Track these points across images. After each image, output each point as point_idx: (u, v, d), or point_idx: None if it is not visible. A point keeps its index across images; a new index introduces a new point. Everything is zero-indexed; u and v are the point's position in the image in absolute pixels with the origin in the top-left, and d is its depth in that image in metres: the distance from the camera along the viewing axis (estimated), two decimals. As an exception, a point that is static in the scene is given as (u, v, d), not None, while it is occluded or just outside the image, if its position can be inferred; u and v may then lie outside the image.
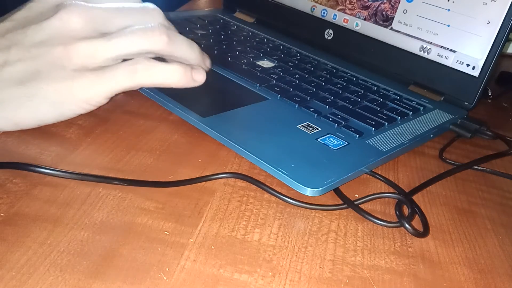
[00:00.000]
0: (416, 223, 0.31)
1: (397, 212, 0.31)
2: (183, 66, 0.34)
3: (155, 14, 0.34)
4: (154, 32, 0.32)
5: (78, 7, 0.31)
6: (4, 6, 0.34)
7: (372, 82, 0.48)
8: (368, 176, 0.35)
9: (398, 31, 0.49)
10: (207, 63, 0.39)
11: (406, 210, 0.32)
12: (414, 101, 0.45)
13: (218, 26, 0.58)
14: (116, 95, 0.33)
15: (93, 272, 0.23)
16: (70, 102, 0.31)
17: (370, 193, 0.32)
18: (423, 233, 0.30)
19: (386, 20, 0.50)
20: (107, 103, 0.33)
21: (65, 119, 0.33)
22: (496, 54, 0.43)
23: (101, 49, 0.31)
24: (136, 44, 0.32)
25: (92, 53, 0.31)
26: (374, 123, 0.39)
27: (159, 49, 0.33)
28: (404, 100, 0.45)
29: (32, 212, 0.26)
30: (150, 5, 0.34)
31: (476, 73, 0.44)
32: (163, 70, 0.33)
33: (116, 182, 0.29)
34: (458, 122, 0.44)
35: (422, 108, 0.44)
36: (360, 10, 0.52)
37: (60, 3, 0.31)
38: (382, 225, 0.30)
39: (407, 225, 0.29)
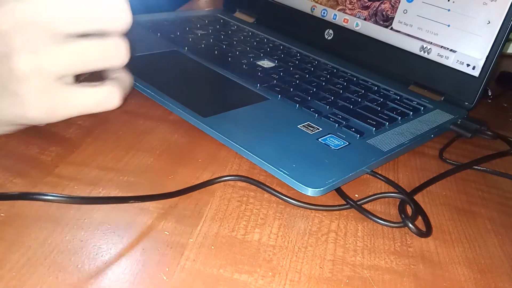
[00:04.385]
0: (417, 223, 0.31)
1: (402, 213, 0.31)
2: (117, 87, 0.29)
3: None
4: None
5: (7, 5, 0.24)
6: None
7: (372, 82, 0.48)
8: (368, 176, 0.35)
9: (398, 31, 0.49)
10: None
11: (407, 210, 0.31)
12: (414, 101, 0.45)
13: (218, 26, 0.58)
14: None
15: (93, 272, 0.23)
16: (21, 122, 0.28)
17: (371, 193, 0.32)
18: (426, 233, 0.30)
19: (386, 20, 0.50)
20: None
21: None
22: (496, 54, 0.43)
23: (46, 63, 0.25)
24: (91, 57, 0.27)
25: (36, 69, 0.25)
26: (374, 123, 0.39)
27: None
28: (404, 100, 0.45)
29: (32, 212, 0.26)
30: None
31: (476, 73, 0.44)
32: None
33: (131, 201, 0.28)
34: (459, 122, 0.44)
35: (422, 108, 0.44)
36: (360, 10, 0.52)
37: None
38: (386, 225, 0.30)
39: (411, 225, 0.29)
